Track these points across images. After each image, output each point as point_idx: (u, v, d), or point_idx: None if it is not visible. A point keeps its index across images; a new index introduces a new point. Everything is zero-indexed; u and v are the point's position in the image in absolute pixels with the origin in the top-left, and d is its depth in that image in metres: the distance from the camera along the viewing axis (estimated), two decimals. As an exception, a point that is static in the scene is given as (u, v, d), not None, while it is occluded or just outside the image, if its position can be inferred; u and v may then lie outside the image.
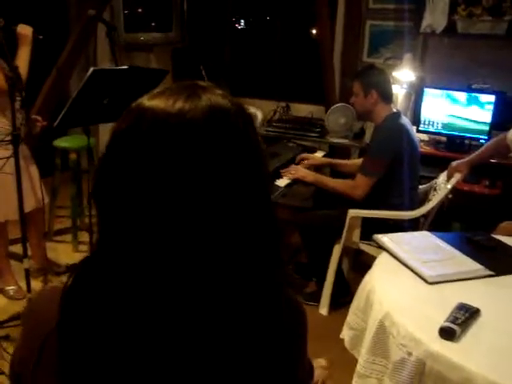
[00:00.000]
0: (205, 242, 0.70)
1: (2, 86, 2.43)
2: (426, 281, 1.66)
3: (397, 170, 2.76)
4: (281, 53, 4.86)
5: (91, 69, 2.27)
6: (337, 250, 2.88)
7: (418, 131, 3.60)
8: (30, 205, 2.84)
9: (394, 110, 2.84)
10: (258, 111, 4.20)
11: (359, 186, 2.77)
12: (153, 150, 0.69)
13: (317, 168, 3.28)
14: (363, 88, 2.80)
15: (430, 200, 2.80)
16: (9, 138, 2.45)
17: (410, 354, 1.36)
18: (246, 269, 0.74)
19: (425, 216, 2.81)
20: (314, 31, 4.69)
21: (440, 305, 1.51)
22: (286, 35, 4.84)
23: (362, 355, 1.54)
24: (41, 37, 2.73)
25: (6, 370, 2.31)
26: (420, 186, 2.97)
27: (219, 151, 0.70)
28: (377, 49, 4.27)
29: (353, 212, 2.76)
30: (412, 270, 1.73)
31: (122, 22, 4.71)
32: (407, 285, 1.67)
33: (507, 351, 1.33)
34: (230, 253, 0.72)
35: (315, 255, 3.08)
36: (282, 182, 2.91)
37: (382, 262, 1.84)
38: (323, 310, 2.95)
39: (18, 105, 2.46)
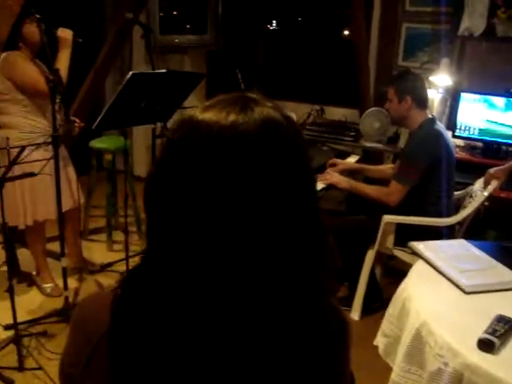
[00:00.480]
0: (254, 253, 0.71)
1: (44, 89, 2.49)
2: (463, 290, 1.65)
3: (432, 177, 2.73)
4: (315, 55, 4.84)
5: (130, 73, 2.31)
6: (370, 255, 2.87)
7: (454, 136, 3.54)
8: (67, 204, 2.90)
9: (430, 116, 2.80)
10: (293, 114, 4.20)
11: (393, 192, 2.75)
12: (206, 161, 0.70)
13: (351, 173, 3.26)
14: (398, 94, 2.77)
15: (465, 207, 2.76)
16: (49, 139, 2.51)
17: (446, 364, 1.34)
18: (293, 278, 0.75)
19: (460, 223, 2.77)
20: (347, 32, 4.67)
21: (478, 315, 1.49)
22: (319, 37, 4.82)
23: (398, 363, 1.53)
24: (80, 40, 2.79)
25: (44, 364, 2.37)
26: (455, 193, 2.93)
27: (271, 163, 0.71)
28: (413, 52, 4.22)
29: (387, 218, 2.75)
30: (449, 279, 1.71)
31: (158, 25, 4.76)
32: (444, 294, 1.65)
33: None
34: (278, 264, 0.73)
35: (348, 259, 3.06)
36: (320, 184, 2.91)
37: (419, 269, 1.82)
38: (355, 314, 2.94)
39: (57, 106, 2.52)
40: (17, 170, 2.37)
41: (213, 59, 5.21)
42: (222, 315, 0.72)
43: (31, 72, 2.69)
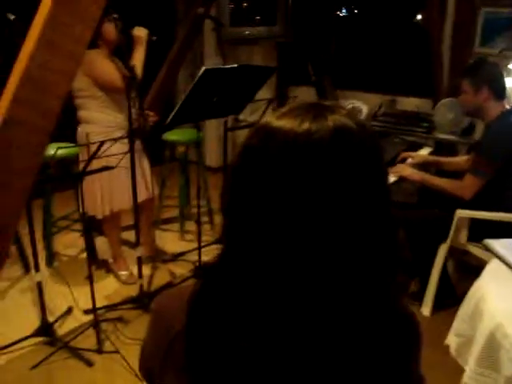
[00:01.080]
0: (331, 255, 0.73)
1: (120, 85, 2.59)
2: (543, 293, 1.58)
3: (509, 171, 2.61)
4: (386, 42, 4.72)
5: (203, 68, 2.36)
6: (442, 250, 2.80)
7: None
8: (142, 195, 3.02)
9: (508, 107, 2.68)
10: (364, 105, 4.14)
11: (468, 186, 2.66)
12: (281, 168, 0.72)
13: (422, 165, 3.17)
14: (473, 85, 2.66)
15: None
16: (125, 133, 2.61)
17: (523, 369, 1.30)
18: (365, 278, 0.76)
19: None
20: (420, 17, 4.51)
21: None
22: (391, 23, 4.69)
23: (470, 365, 1.50)
24: (154, 38, 2.88)
25: (120, 348, 2.49)
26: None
27: (345, 169, 0.72)
28: (491, 38, 4.02)
29: (461, 212, 2.66)
30: (527, 280, 1.64)
31: (228, 17, 4.81)
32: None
33: None
34: (354, 263, 0.74)
35: (419, 253, 3.00)
36: (392, 177, 2.86)
37: (493, 268, 1.76)
38: (426, 310, 2.88)
39: (132, 102, 2.62)
40: (95, 164, 2.48)
41: (283, 51, 5.20)
42: (297, 316, 0.74)
43: (109, 69, 2.80)
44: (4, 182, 1.31)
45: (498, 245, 1.87)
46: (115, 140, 2.30)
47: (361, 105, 4.06)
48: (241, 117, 3.36)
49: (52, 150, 2.85)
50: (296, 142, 0.72)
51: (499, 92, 2.67)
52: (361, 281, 0.75)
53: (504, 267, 1.75)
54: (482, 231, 2.54)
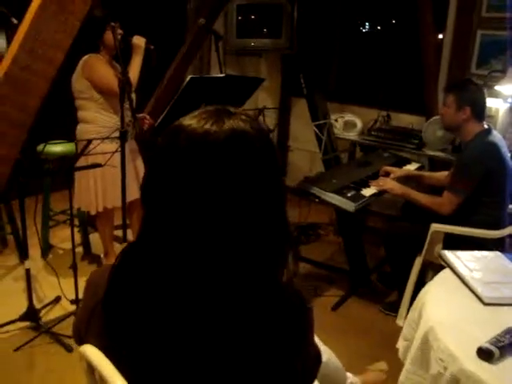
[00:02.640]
0: (224, 238, 0.87)
1: (116, 90, 2.74)
2: (482, 301, 1.67)
3: (485, 188, 2.71)
4: (388, 60, 4.83)
5: (189, 77, 2.50)
6: (418, 263, 2.88)
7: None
8: (134, 194, 3.16)
9: (486, 127, 2.78)
10: (358, 119, 4.26)
11: (446, 203, 2.76)
12: (184, 163, 0.86)
13: (408, 179, 3.27)
14: (457, 102, 2.76)
15: (518, 220, 2.71)
16: (117, 134, 2.76)
17: (446, 368, 1.40)
18: (256, 263, 0.89)
19: (511, 236, 2.72)
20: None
21: (490, 327, 1.52)
22: (394, 43, 4.80)
23: (406, 365, 1.60)
24: (152, 47, 3.04)
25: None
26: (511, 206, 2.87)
27: (237, 167, 0.86)
28: (487, 60, 4.11)
29: (435, 226, 2.75)
30: (470, 289, 1.74)
31: (235, 28, 4.96)
32: (461, 303, 1.69)
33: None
34: (241, 250, 0.88)
35: (398, 266, 3.10)
36: (367, 192, 2.95)
37: (442, 277, 1.86)
38: (400, 321, 2.96)
39: (127, 104, 2.76)
40: (90, 161, 2.63)
41: (287, 62, 5.34)
42: (190, 291, 0.87)
43: (107, 74, 2.95)
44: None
45: (452, 255, 1.96)
46: (103, 139, 2.44)
47: (355, 119, 4.17)
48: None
49: (50, 147, 3.03)
50: (196, 141, 0.85)
51: (480, 114, 2.77)
52: (250, 264, 0.89)
53: (453, 276, 1.85)
54: (456, 245, 2.63)
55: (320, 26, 5.18)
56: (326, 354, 1.69)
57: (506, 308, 1.66)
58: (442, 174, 3.20)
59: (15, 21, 2.26)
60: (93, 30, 2.97)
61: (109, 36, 2.97)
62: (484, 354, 1.37)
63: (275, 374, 0.89)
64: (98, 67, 2.98)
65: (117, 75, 2.90)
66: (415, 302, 1.80)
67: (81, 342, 1.01)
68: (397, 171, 3.24)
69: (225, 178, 0.84)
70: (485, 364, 1.35)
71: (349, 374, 1.90)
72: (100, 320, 0.93)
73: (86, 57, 3.04)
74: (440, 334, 1.48)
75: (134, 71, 2.96)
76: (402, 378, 1.60)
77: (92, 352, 0.94)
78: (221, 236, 0.86)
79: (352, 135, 4.18)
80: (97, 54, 3.05)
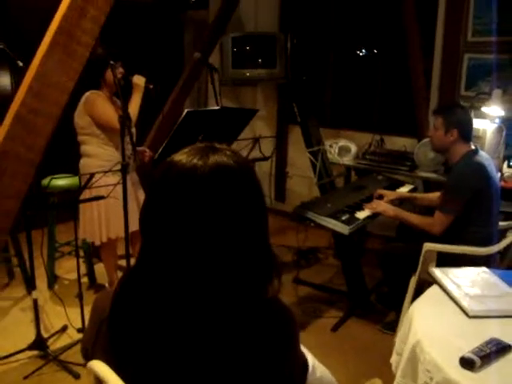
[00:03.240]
0: (210, 266, 0.97)
1: (115, 126, 2.87)
2: (467, 314, 1.76)
3: (474, 207, 2.80)
4: (380, 85, 4.99)
5: (185, 111, 2.63)
6: (412, 282, 2.96)
7: (510, 166, 3.56)
8: (136, 225, 3.23)
9: (472, 147, 2.89)
10: (352, 144, 4.38)
11: (437, 223, 2.85)
12: (174, 195, 0.98)
13: (403, 201, 3.37)
14: (445, 125, 2.88)
15: (507, 237, 2.80)
16: (119, 167, 2.88)
17: (431, 379, 1.48)
18: (243, 283, 1.00)
19: (501, 252, 2.81)
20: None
21: (474, 338, 1.60)
22: (385, 68, 4.96)
23: (397, 378, 1.68)
24: (151, 86, 3.19)
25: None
26: (501, 223, 2.97)
27: (222, 198, 0.97)
28: (475, 82, 4.26)
29: (428, 245, 2.84)
30: (457, 303, 1.83)
31: (230, 59, 5.14)
32: (447, 316, 1.77)
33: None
34: (228, 272, 0.98)
35: (394, 285, 3.18)
36: (361, 215, 3.06)
37: (431, 293, 1.95)
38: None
39: (128, 139, 2.89)
40: (94, 194, 2.75)
41: (283, 91, 5.51)
42: (187, 310, 0.97)
43: (108, 111, 3.10)
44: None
45: (440, 272, 2.06)
46: (105, 172, 2.56)
47: (349, 144, 4.30)
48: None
49: (55, 181, 3.16)
50: (184, 174, 0.97)
51: (467, 135, 2.88)
52: (237, 284, 0.99)
53: (441, 292, 1.94)
54: (448, 262, 2.71)
55: (313, 55, 5.37)
56: (320, 369, 1.77)
57: (490, 320, 1.75)
58: (434, 195, 3.30)
59: (20, 63, 2.41)
60: (95, 68, 3.13)
61: (110, 74, 3.12)
62: (466, 363, 1.45)
63: (265, 380, 0.99)
64: (99, 104, 3.12)
65: (117, 111, 3.05)
66: (405, 318, 1.89)
67: (88, 359, 1.11)
68: (390, 194, 3.35)
69: (211, 206, 0.96)
70: (467, 372, 1.44)
71: None
72: (105, 337, 1.04)
73: (87, 93, 3.19)
74: (426, 347, 1.57)
75: (134, 108, 3.11)
76: (393, 389, 1.69)
77: (99, 366, 1.04)
78: (210, 259, 0.97)
79: (347, 160, 4.31)
80: (98, 91, 3.20)
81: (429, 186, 4.15)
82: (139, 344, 0.99)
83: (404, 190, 3.65)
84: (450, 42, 4.31)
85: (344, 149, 4.34)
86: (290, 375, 1.07)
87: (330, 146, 4.32)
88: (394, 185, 3.69)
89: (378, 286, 3.70)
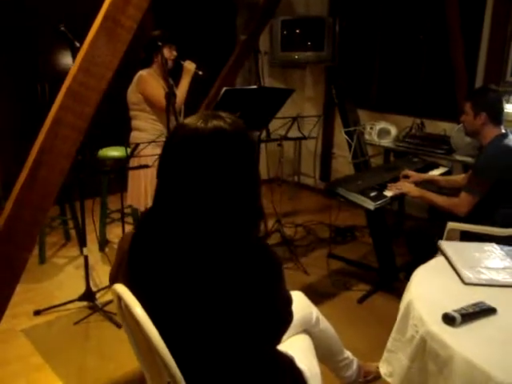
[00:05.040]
0: (208, 203, 1.22)
1: (162, 105, 3.14)
2: (463, 281, 1.90)
3: (501, 189, 2.88)
4: (425, 70, 5.02)
5: (224, 89, 2.86)
6: (436, 260, 3.08)
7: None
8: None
9: (503, 131, 2.95)
10: (392, 127, 4.49)
11: (463, 203, 2.93)
12: (179, 151, 1.20)
13: (429, 182, 3.46)
14: (474, 109, 2.96)
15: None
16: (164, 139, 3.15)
17: (417, 332, 1.65)
18: (234, 225, 1.23)
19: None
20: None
21: (464, 302, 1.74)
22: (431, 53, 4.99)
23: (392, 333, 1.86)
24: (200, 73, 3.43)
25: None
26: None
27: (218, 157, 1.19)
28: (522, 68, 4.25)
29: (451, 224, 2.95)
30: (455, 271, 1.97)
31: (279, 42, 5.32)
32: (443, 282, 1.92)
33: (500, 344, 1.54)
34: (223, 211, 1.21)
35: (420, 264, 3.30)
36: (389, 193, 3.19)
37: (434, 262, 2.10)
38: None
39: (173, 115, 3.15)
40: (144, 162, 3.04)
41: (330, 74, 5.64)
42: (190, 241, 1.21)
43: (157, 90, 3.38)
44: (50, 162, 1.88)
45: (447, 244, 2.21)
46: (149, 143, 2.83)
47: (389, 126, 4.40)
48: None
49: (108, 151, 3.48)
50: (188, 134, 1.20)
51: (496, 118, 2.95)
52: (228, 224, 1.21)
53: (444, 263, 2.09)
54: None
55: (361, 38, 5.45)
56: (324, 323, 1.98)
57: (484, 288, 1.87)
58: (459, 177, 3.38)
59: (78, 44, 2.70)
60: (149, 48, 3.43)
61: (164, 54, 3.38)
62: (447, 319, 1.61)
63: (252, 308, 1.21)
64: (150, 83, 3.41)
65: (165, 89, 3.32)
66: (408, 283, 2.05)
67: (113, 283, 1.37)
68: (414, 175, 3.43)
69: (209, 160, 1.19)
70: (447, 327, 1.60)
71: (346, 351, 2.17)
72: (126, 265, 1.29)
73: (140, 72, 3.48)
74: (417, 305, 1.73)
75: (181, 91, 3.38)
76: (389, 344, 1.86)
77: (120, 288, 1.30)
78: (207, 202, 1.20)
79: (385, 142, 4.42)
80: (150, 70, 3.48)
81: (467, 169, 4.20)
82: (150, 270, 1.25)
83: (437, 172, 3.73)
84: (497, 27, 4.31)
85: (384, 131, 4.45)
86: (276, 306, 1.28)
87: (371, 128, 4.45)
88: (428, 167, 3.78)
89: (408, 264, 3.82)
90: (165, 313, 1.25)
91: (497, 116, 2.95)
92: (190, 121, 1.24)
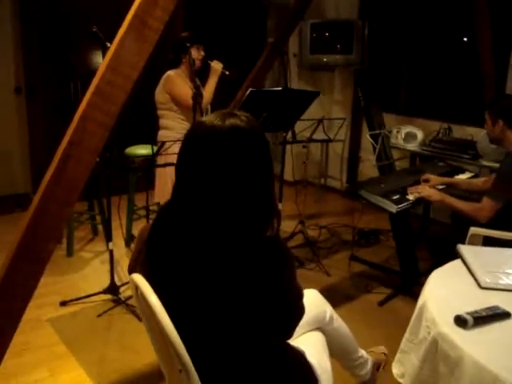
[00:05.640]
0: (224, 198, 1.26)
1: (189, 105, 3.21)
2: (479, 285, 1.90)
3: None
4: (455, 75, 4.99)
5: (249, 90, 2.90)
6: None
7: None
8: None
9: (527, 136, 2.92)
10: (419, 131, 4.47)
11: (485, 208, 2.90)
12: (198, 147, 1.26)
13: (451, 186, 3.43)
14: (491, 117, 2.96)
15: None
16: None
17: (429, 333, 1.66)
18: (248, 219, 1.27)
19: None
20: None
21: (479, 305, 1.75)
22: (462, 59, 4.95)
23: (406, 334, 1.87)
24: (227, 72, 3.49)
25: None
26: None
27: (235, 153, 1.24)
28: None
29: (474, 230, 2.93)
30: (472, 275, 1.97)
31: (309, 45, 5.35)
32: (459, 285, 1.92)
33: (510, 348, 1.54)
34: (238, 206, 1.26)
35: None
36: (412, 196, 3.19)
37: (452, 265, 2.11)
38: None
39: (199, 113, 3.22)
40: (170, 160, 3.12)
41: (359, 77, 5.63)
42: (206, 234, 1.25)
43: (184, 90, 3.45)
44: (78, 155, 1.96)
45: (466, 248, 2.21)
46: (175, 141, 2.90)
47: (416, 130, 4.39)
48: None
49: (136, 149, 3.57)
50: (206, 131, 1.25)
51: None
52: (243, 218, 1.26)
53: (462, 265, 2.09)
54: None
55: (390, 42, 5.43)
56: (338, 322, 2.01)
57: (501, 293, 1.87)
58: (480, 180, 3.35)
59: (108, 44, 2.79)
60: (178, 48, 3.51)
61: (193, 55, 3.45)
62: (459, 321, 1.62)
63: (264, 300, 1.25)
64: (177, 83, 3.48)
65: (192, 89, 3.39)
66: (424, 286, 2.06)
67: (132, 273, 1.43)
68: (435, 179, 3.40)
69: (226, 157, 1.23)
70: (459, 329, 1.60)
71: (361, 350, 2.19)
72: (145, 255, 1.35)
73: (168, 72, 3.56)
74: (430, 307, 1.74)
75: (208, 91, 3.45)
76: (402, 345, 1.88)
77: (137, 277, 1.35)
78: (224, 197, 1.25)
79: (412, 146, 4.40)
80: (177, 71, 3.56)
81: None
82: (166, 261, 1.30)
83: (463, 177, 3.70)
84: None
85: (411, 135, 4.43)
86: (287, 299, 1.32)
87: (397, 132, 4.44)
88: (453, 171, 3.76)
89: (429, 269, 3.80)
90: (179, 302, 1.30)
91: None
92: (208, 119, 1.29)
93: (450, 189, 3.39)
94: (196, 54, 3.52)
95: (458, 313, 1.66)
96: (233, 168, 1.24)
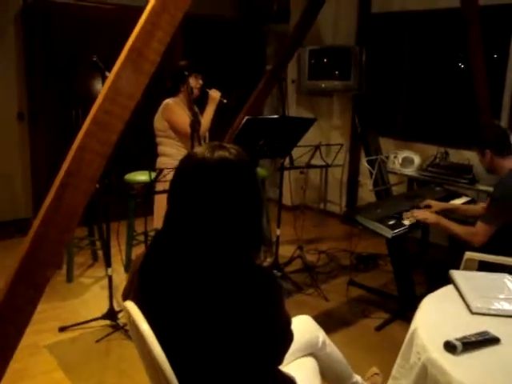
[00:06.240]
0: (214, 236, 1.29)
1: (187, 132, 3.28)
2: (470, 310, 1.93)
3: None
4: (452, 100, 5.05)
5: (245, 118, 2.96)
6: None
7: None
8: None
9: (518, 161, 2.96)
10: (416, 155, 4.52)
11: (479, 233, 2.93)
12: (189, 179, 1.30)
13: (451, 212, 3.47)
14: (479, 150, 3.02)
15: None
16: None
17: (419, 359, 1.68)
18: (236, 249, 1.30)
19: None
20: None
21: (470, 331, 1.77)
22: (457, 85, 5.02)
23: (397, 360, 1.89)
24: (225, 101, 3.57)
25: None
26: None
27: (222, 182, 1.29)
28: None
29: (469, 254, 2.96)
30: (464, 300, 1.99)
31: (307, 71, 5.44)
32: (450, 311, 1.95)
33: (498, 373, 1.56)
34: (227, 235, 1.29)
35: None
36: (408, 221, 3.22)
37: (444, 291, 2.13)
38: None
39: (197, 141, 3.28)
40: (168, 188, 3.16)
41: (357, 102, 5.71)
42: (196, 263, 1.29)
43: (182, 118, 3.52)
44: (76, 184, 2.01)
45: (458, 273, 2.23)
46: (173, 169, 2.94)
47: (413, 155, 4.44)
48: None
49: (135, 175, 3.61)
50: (197, 163, 1.29)
51: (502, 150, 2.96)
52: (231, 248, 1.30)
53: (454, 292, 2.11)
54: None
55: (387, 68, 5.52)
56: (330, 347, 2.03)
57: (491, 318, 1.89)
58: (480, 206, 3.38)
59: (107, 73, 2.86)
60: (176, 77, 3.58)
61: (191, 84, 3.52)
62: (449, 347, 1.64)
63: (253, 328, 1.28)
64: (176, 111, 3.55)
65: (190, 117, 3.45)
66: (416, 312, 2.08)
67: (126, 300, 1.46)
68: (436, 205, 3.44)
69: (214, 188, 1.28)
70: (448, 355, 1.62)
71: (356, 375, 2.20)
72: (137, 282, 1.39)
73: (166, 100, 3.63)
74: (421, 333, 1.77)
75: (207, 119, 3.52)
76: (393, 371, 1.90)
77: (130, 305, 1.39)
78: (212, 227, 1.29)
79: (409, 171, 4.45)
80: (176, 99, 3.63)
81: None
82: (157, 288, 1.34)
83: (460, 201, 3.74)
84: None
85: (408, 160, 4.48)
86: (275, 327, 1.35)
87: (394, 157, 4.49)
88: (450, 196, 3.79)
89: (426, 293, 3.81)
90: (169, 330, 1.33)
91: (502, 149, 2.96)
92: (199, 150, 1.34)
93: (447, 212, 3.43)
94: (194, 82, 3.60)
95: (448, 338, 1.69)
96: (220, 198, 1.28)
